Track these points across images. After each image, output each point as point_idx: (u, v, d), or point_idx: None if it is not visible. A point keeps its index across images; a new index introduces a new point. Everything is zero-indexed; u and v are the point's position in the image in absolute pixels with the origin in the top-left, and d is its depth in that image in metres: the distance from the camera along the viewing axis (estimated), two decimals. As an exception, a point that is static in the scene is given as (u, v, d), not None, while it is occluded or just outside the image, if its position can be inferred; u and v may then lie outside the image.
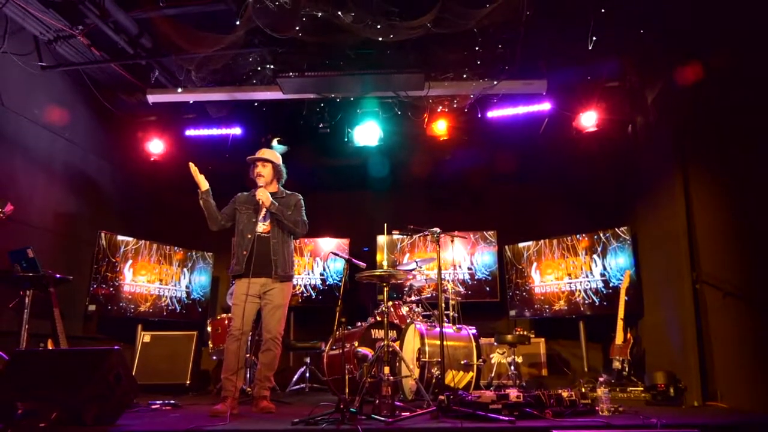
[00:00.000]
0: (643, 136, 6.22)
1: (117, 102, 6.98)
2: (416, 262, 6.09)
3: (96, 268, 6.47)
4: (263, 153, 4.75)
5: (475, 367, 5.01)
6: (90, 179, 6.87)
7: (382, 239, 7.51)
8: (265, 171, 4.68)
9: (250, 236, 4.54)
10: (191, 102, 6.74)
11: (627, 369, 5.59)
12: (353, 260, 5.22)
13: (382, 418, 3.57)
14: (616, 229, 6.46)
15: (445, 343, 4.54)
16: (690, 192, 5.17)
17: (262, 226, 4.59)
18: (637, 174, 6.26)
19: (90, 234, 6.56)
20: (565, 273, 6.86)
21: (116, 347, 3.66)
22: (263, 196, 4.51)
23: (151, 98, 6.56)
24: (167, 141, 7.38)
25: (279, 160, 4.78)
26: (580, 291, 6.67)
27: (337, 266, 7.56)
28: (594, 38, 5.43)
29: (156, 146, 7.32)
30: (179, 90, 6.43)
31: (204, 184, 4.64)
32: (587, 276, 6.65)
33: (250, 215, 4.63)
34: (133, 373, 6.24)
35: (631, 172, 6.40)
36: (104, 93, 6.69)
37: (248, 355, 5.56)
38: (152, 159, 7.36)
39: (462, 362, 5.00)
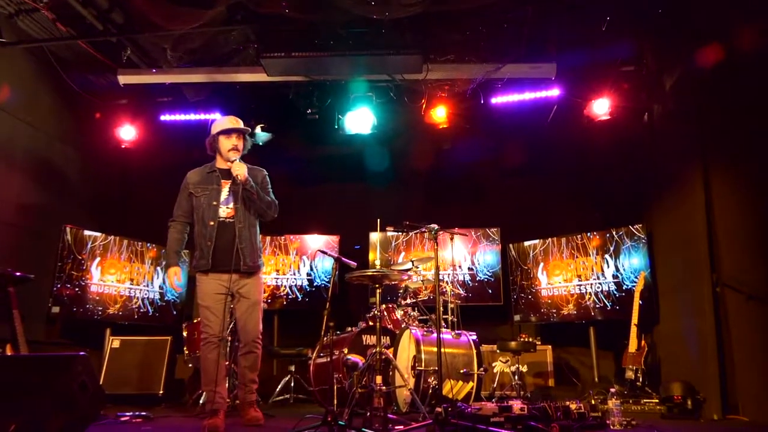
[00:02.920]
0: (661, 125, 6.22)
1: (85, 83, 6.90)
2: (412, 262, 6.09)
3: (60, 266, 6.42)
4: (238, 122, 4.53)
5: (475, 376, 5.03)
6: (54, 168, 6.81)
7: (375, 236, 7.49)
8: (241, 143, 4.48)
9: (212, 223, 4.34)
10: (166, 84, 6.67)
11: (641, 379, 5.60)
12: (343, 259, 5.21)
13: (374, 432, 3.56)
14: (631, 227, 6.47)
15: (443, 350, 4.52)
16: (711, 187, 5.18)
17: (225, 210, 4.40)
18: (654, 167, 6.27)
19: (54, 228, 6.50)
20: (575, 274, 6.86)
21: (82, 353, 3.63)
22: (241, 170, 4.30)
23: (123, 79, 6.51)
24: (140, 127, 7.33)
25: None
26: (590, 294, 6.68)
27: (325, 266, 7.54)
28: (608, 18, 5.42)
29: (127, 132, 7.27)
30: (153, 71, 6.37)
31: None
32: (598, 278, 6.65)
33: (209, 197, 4.41)
34: (101, 382, 6.21)
35: (647, 164, 6.41)
36: (71, 73, 6.62)
37: (226, 363, 5.53)
38: (123, 146, 7.31)
39: (461, 371, 5.00)
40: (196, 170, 4.58)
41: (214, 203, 4.39)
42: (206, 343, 4.30)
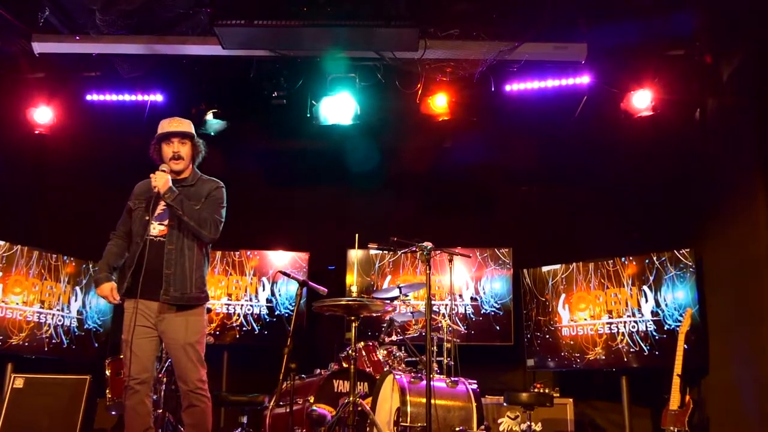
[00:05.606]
0: (716, 124, 6.24)
1: (-10, 51, 6.86)
2: (400, 289, 6.07)
3: (-50, 283, 6.36)
4: (179, 123, 4.61)
5: (474, 436, 4.97)
6: (-53, 158, 6.75)
7: (353, 255, 7.45)
8: (185, 149, 4.55)
9: (139, 240, 4.42)
10: (94, 55, 6.63)
11: (684, 444, 5.59)
12: (310, 284, 5.16)
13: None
14: (675, 252, 6.46)
15: (434, 401, 4.50)
16: (777, 204, 5.18)
17: (157, 227, 4.44)
18: (706, 176, 6.29)
19: (-56, 234, 6.43)
20: (604, 310, 6.84)
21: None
22: (160, 180, 4.36)
23: (38, 47, 6.44)
24: (59, 108, 7.26)
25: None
26: (623, 335, 6.66)
27: (290, 290, 7.50)
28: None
29: (43, 114, 7.20)
30: (77, 37, 6.32)
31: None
32: (634, 315, 6.64)
33: (143, 211, 4.49)
34: (-3, 432, 6.14)
35: (698, 173, 6.42)
36: (-28, 38, 6.57)
37: (159, 411, 5.44)
38: (37, 131, 7.24)
39: (456, 429, 4.95)
40: (146, 180, 4.62)
41: (146, 218, 4.45)
42: (125, 387, 4.32)
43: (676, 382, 5.79)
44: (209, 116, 7.05)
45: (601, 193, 7.44)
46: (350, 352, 4.89)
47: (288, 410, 5.16)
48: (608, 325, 6.78)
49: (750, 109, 5.55)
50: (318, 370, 5.91)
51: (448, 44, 6.22)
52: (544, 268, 7.32)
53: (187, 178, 4.58)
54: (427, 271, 4.77)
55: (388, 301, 5.80)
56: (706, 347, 6.11)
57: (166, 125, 4.58)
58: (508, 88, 6.84)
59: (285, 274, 5.86)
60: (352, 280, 7.39)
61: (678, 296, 6.38)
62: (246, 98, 7.05)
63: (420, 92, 6.93)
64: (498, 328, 7.32)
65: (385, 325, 6.08)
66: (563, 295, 7.13)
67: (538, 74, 6.75)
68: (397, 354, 5.92)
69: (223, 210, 4.61)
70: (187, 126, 4.62)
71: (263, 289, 7.55)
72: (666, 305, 6.45)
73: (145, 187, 4.57)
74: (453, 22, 6.12)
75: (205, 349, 4.48)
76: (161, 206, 4.45)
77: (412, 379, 5.12)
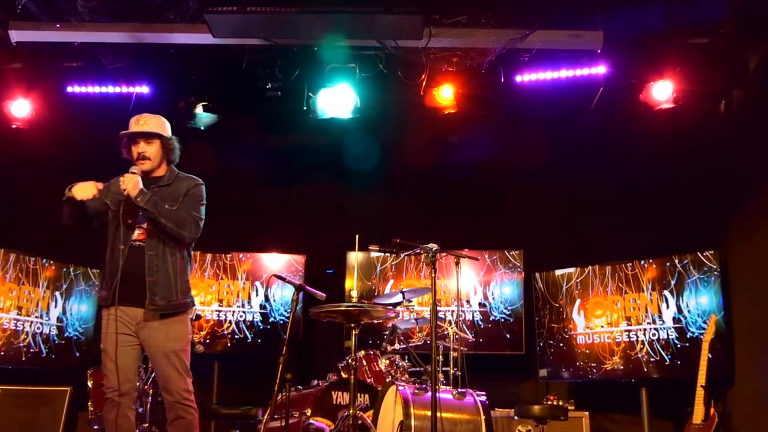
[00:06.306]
0: (742, 117, 6.22)
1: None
2: (403, 294, 6.06)
3: None
4: (145, 122, 4.56)
5: (483, 452, 4.95)
6: None
7: (353, 257, 7.43)
8: (152, 149, 4.50)
9: (122, 247, 4.37)
10: (76, 44, 6.62)
11: (709, 461, 5.56)
12: (307, 288, 5.13)
13: None
14: (699, 254, 6.45)
15: (439, 414, 4.49)
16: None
17: (137, 232, 4.43)
18: (731, 173, 6.28)
19: None
20: (623, 316, 6.84)
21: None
22: (129, 182, 4.30)
23: (16, 35, 6.43)
24: (38, 100, 7.28)
25: (168, 131, 4.64)
26: (643, 343, 6.64)
27: (285, 295, 7.50)
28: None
29: (21, 107, 7.22)
30: (57, 25, 6.31)
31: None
32: (654, 321, 6.63)
33: (118, 215, 4.43)
34: (-29, 448, 6.12)
35: (723, 169, 6.41)
36: (-56, 25, 6.55)
37: (145, 425, 5.42)
38: (14, 126, 7.26)
39: (465, 444, 4.92)
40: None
41: (129, 221, 4.43)
42: (106, 399, 4.30)
43: (699, 393, 5.79)
44: (199, 109, 7.05)
45: (618, 191, 7.43)
46: (350, 361, 4.88)
47: (283, 424, 5.12)
48: (627, 333, 6.77)
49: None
50: (315, 381, 5.93)
51: (454, 32, 6.21)
52: (558, 272, 7.32)
53: (162, 177, 4.55)
54: (432, 275, 4.75)
55: (391, 307, 5.81)
56: (732, 356, 6.10)
57: (132, 124, 4.55)
58: (518, 78, 6.83)
59: (280, 278, 5.83)
60: (351, 284, 7.37)
61: (702, 301, 6.36)
62: (238, 90, 7.05)
63: (424, 83, 6.91)
64: (508, 335, 7.32)
65: (387, 332, 6.09)
66: (578, 301, 7.13)
67: (551, 64, 6.74)
68: (400, 363, 5.93)
69: (203, 207, 4.59)
70: (152, 125, 4.55)
71: (257, 295, 7.55)
72: (689, 311, 6.43)
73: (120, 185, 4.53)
74: (460, 9, 6.11)
75: (190, 357, 4.45)
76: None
77: (417, 391, 5.10)
